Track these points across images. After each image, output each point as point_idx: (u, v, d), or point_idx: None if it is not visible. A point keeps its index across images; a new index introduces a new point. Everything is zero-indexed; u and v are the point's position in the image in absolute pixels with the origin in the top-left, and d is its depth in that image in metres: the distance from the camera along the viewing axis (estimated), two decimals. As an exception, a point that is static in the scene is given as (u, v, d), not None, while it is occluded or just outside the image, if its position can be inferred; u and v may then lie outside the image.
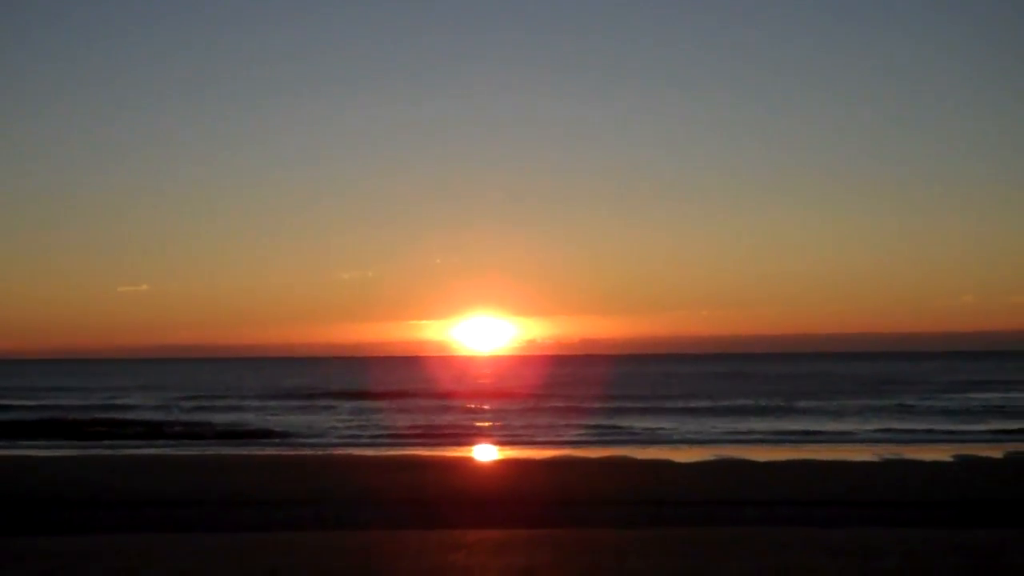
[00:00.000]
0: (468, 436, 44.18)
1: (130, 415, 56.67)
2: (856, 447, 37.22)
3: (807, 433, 44.21)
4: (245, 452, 36.27)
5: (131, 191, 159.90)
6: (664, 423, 49.75)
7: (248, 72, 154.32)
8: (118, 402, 70.30)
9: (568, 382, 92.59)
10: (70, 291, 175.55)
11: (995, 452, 33.35)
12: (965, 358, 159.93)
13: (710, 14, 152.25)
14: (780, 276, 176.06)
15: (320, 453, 36.06)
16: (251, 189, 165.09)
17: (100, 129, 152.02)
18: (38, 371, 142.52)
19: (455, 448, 38.22)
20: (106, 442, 42.35)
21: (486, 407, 63.05)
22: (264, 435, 45.23)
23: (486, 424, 50.58)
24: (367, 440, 42.84)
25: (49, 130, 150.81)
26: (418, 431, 46.65)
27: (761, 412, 56.75)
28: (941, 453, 33.37)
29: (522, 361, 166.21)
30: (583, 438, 42.62)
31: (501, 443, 40.64)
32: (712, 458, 32.06)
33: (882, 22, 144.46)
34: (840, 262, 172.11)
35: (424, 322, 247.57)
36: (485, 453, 36.44)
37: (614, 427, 47.42)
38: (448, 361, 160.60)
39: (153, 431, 47.69)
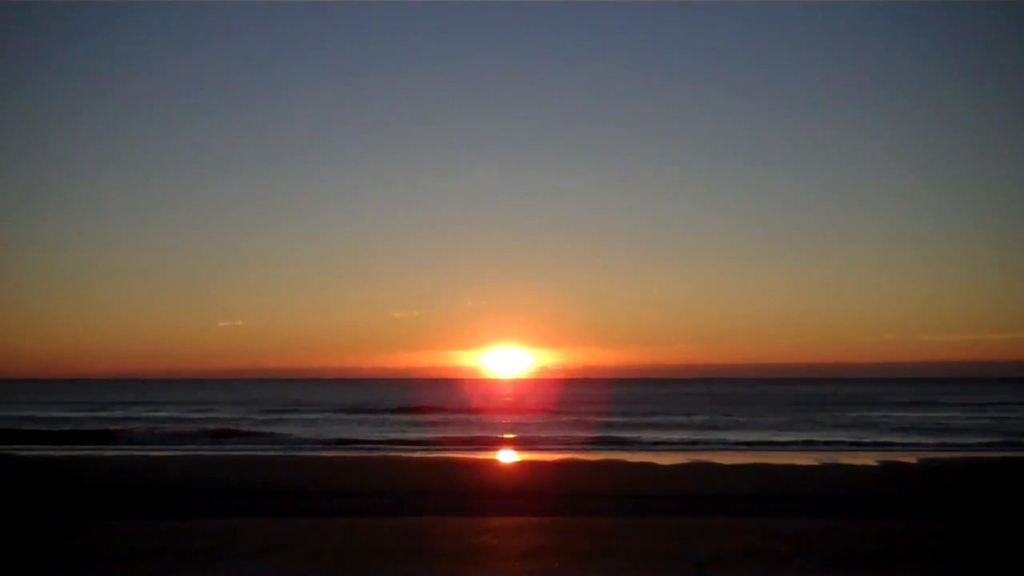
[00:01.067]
0: (494, 442, 44.08)
1: (228, 425, 56.68)
2: (800, 453, 37.00)
3: (762, 442, 43.99)
4: (319, 453, 36.27)
5: (232, 245, 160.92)
6: (649, 433, 49.55)
7: (323, 147, 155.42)
8: (219, 414, 70.38)
9: (573, 400, 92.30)
10: (182, 324, 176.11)
11: (911, 459, 33.13)
12: (887, 384, 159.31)
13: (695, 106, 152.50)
14: (739, 316, 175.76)
15: (378, 455, 36.04)
16: (323, 243, 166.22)
17: (204, 193, 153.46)
18: (157, 388, 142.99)
19: (484, 452, 38.16)
20: (209, 445, 42.45)
21: (508, 420, 62.93)
22: (335, 440, 45.17)
23: (508, 433, 50.44)
24: (415, 445, 42.78)
25: (168, 193, 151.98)
26: (455, 438, 46.56)
27: (725, 425, 56.50)
28: (868, 458, 33.15)
29: (536, 384, 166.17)
30: (585, 444, 42.45)
31: (520, 448, 40.55)
32: (687, 461, 31.92)
33: (805, 106, 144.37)
34: (788, 304, 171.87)
35: (459, 351, 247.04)
36: (507, 456, 36.36)
37: (610, 436, 47.26)
38: (478, 383, 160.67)
39: (244, 437, 47.75)
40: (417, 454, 36.45)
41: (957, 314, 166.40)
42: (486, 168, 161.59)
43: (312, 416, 67.36)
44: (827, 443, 43.29)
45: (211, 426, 54.13)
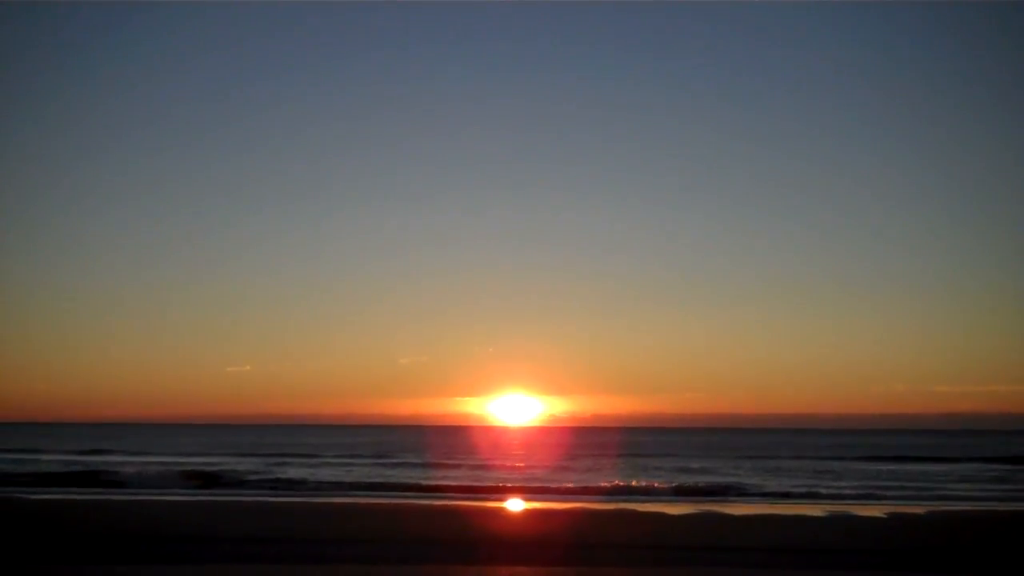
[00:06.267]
0: (502, 491, 43.87)
1: (235, 470, 56.58)
2: (809, 504, 36.81)
3: (772, 492, 43.73)
4: (325, 499, 36.17)
5: (240, 290, 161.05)
6: (658, 482, 49.35)
7: (332, 190, 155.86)
8: (225, 460, 70.25)
9: (582, 448, 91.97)
10: (190, 370, 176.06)
11: (920, 510, 32.94)
12: (897, 435, 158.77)
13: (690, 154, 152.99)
14: (748, 365, 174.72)
15: (385, 502, 35.93)
16: (332, 289, 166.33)
17: (213, 237, 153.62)
18: (166, 433, 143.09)
19: (492, 500, 38.01)
20: (215, 490, 42.35)
21: (517, 468, 62.70)
22: (341, 486, 45.01)
23: (516, 481, 50.23)
24: (423, 492, 42.59)
25: (177, 237, 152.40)
26: (463, 486, 46.35)
27: (734, 475, 56.20)
28: (876, 510, 32.97)
29: (545, 431, 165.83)
30: (595, 493, 42.25)
31: (528, 497, 40.35)
32: (697, 511, 31.77)
33: (817, 154, 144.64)
34: (797, 355, 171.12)
35: (466, 398, 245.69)
36: (516, 504, 36.20)
37: (619, 485, 47.08)
38: (485, 431, 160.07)
39: (247, 482, 47.66)
40: (424, 502, 36.31)
41: (969, 366, 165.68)
42: (495, 213, 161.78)
43: (319, 462, 67.19)
44: (836, 494, 43.06)
45: (217, 471, 54.07)
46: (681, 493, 43.12)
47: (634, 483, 48.45)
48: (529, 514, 31.95)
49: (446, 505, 34.40)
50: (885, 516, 30.58)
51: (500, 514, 31.37)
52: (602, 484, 47.42)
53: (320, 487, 44.86)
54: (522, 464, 65.97)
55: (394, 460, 69.99)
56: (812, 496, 41.98)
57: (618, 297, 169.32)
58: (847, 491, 44.72)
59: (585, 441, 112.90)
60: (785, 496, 41.92)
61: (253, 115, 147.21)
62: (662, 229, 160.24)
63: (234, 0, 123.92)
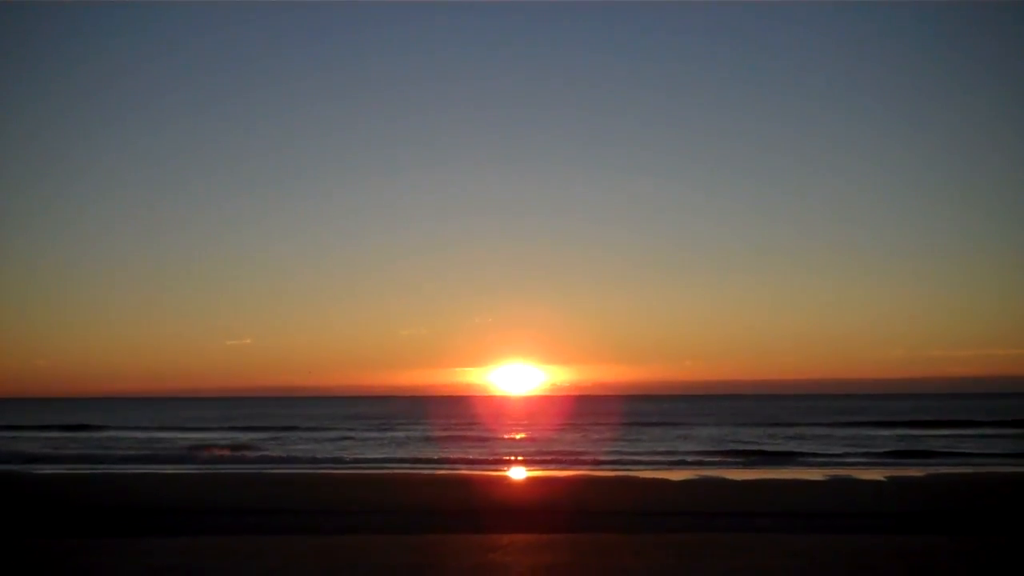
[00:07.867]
0: (504, 460, 43.89)
1: (239, 443, 56.65)
2: (809, 468, 36.80)
3: (770, 454, 43.74)
4: (329, 471, 36.15)
5: (239, 264, 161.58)
6: (658, 448, 49.36)
7: (331, 164, 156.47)
8: (228, 433, 70.32)
9: (583, 417, 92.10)
10: (190, 343, 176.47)
11: (919, 473, 32.94)
12: (895, 399, 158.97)
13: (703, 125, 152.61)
14: (747, 332, 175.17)
15: (387, 472, 35.93)
16: (331, 261, 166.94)
17: (211, 211, 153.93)
18: (166, 407, 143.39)
19: (494, 469, 38.03)
20: (221, 464, 42.35)
21: (518, 437, 62.76)
22: (344, 459, 45.03)
23: (518, 450, 50.28)
24: (425, 462, 42.60)
25: (176, 211, 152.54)
26: (464, 455, 46.38)
27: (733, 440, 56.23)
28: (876, 474, 32.97)
29: (547, 400, 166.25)
30: (596, 461, 42.26)
31: (530, 465, 40.38)
32: (696, 477, 31.77)
33: (813, 124, 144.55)
34: (794, 322, 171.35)
35: (467, 369, 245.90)
36: (517, 473, 36.23)
37: (620, 452, 47.08)
38: (486, 400, 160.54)
39: (254, 455, 47.66)
40: (426, 471, 36.31)
41: (965, 329, 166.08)
42: (494, 184, 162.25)
43: (321, 434, 67.28)
44: (836, 458, 43.08)
45: (222, 444, 54.12)
46: (682, 460, 43.10)
47: (636, 450, 48.48)
48: (530, 482, 31.95)
49: (449, 474, 34.40)
50: (885, 480, 30.56)
51: (503, 483, 31.37)
52: (604, 452, 47.45)
53: (321, 458, 44.88)
54: (524, 433, 66.08)
55: (395, 432, 70.06)
56: (812, 460, 42.00)
57: (619, 267, 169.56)
58: (847, 455, 44.74)
59: (587, 409, 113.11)
60: (786, 460, 41.94)
61: (249, 94, 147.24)
62: (662, 199, 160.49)
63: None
